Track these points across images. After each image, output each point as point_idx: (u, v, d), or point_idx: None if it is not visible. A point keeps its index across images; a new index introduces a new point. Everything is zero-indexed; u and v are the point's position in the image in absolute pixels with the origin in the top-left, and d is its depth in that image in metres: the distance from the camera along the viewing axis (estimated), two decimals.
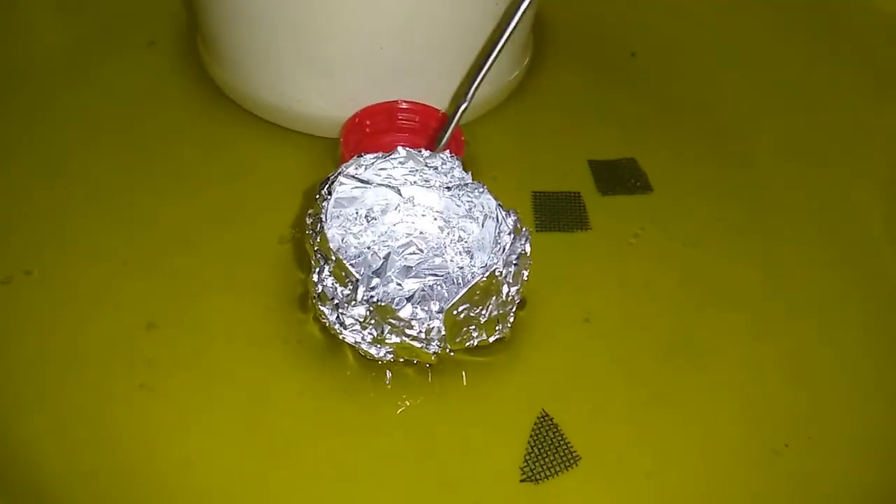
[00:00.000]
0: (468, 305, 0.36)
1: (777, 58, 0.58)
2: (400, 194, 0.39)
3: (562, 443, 0.37)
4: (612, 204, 0.47)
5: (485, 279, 0.36)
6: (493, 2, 0.46)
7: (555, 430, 0.38)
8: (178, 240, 0.44)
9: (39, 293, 0.41)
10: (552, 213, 0.46)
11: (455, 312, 0.36)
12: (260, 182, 0.47)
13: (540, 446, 0.37)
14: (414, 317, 0.36)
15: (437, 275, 0.38)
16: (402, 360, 0.39)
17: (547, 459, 0.37)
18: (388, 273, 0.37)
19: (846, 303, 0.44)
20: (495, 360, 0.40)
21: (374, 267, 0.37)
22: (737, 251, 0.46)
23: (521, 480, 0.36)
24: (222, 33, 0.49)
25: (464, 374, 0.40)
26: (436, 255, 0.38)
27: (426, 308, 0.36)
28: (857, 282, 0.45)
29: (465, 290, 0.36)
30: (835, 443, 0.39)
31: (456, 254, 0.39)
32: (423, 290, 0.36)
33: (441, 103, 0.48)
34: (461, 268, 0.38)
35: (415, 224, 0.39)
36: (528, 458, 0.37)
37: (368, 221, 0.39)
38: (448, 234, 0.39)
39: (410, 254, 0.38)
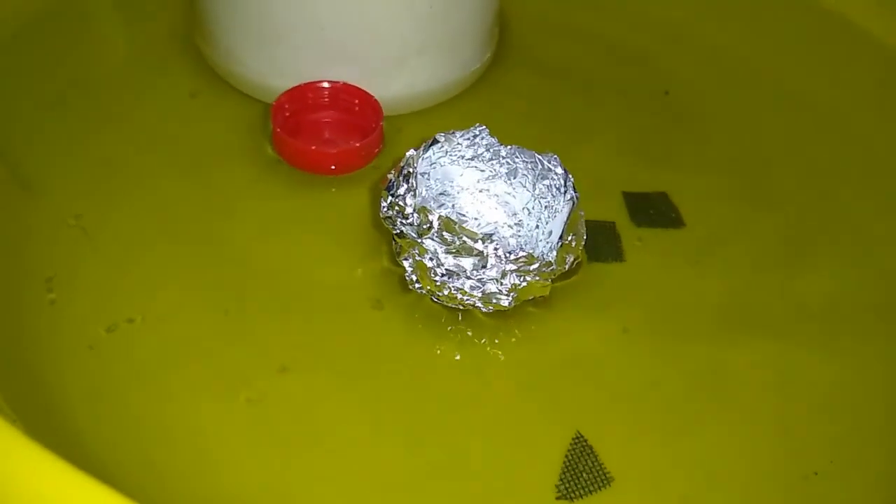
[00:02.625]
0: (566, 233, 0.43)
1: (812, 96, 0.59)
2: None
3: (595, 463, 0.41)
4: (644, 235, 0.51)
5: (574, 209, 0.43)
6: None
7: (589, 450, 0.41)
8: (264, 275, 0.47)
9: (144, 340, 0.43)
10: (588, 241, 0.50)
11: (563, 242, 0.43)
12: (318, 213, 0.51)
13: (575, 466, 0.41)
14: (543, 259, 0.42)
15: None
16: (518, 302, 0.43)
17: (581, 479, 0.40)
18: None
19: (875, 335, 0.47)
20: (531, 382, 0.44)
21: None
22: (767, 284, 0.49)
23: (557, 498, 0.40)
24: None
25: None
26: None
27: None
28: (887, 315, 0.48)
29: (566, 222, 0.42)
30: (864, 471, 0.41)
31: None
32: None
33: (381, 89, 0.52)
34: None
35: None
36: (563, 476, 0.40)
37: (480, 193, 0.44)
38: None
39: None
